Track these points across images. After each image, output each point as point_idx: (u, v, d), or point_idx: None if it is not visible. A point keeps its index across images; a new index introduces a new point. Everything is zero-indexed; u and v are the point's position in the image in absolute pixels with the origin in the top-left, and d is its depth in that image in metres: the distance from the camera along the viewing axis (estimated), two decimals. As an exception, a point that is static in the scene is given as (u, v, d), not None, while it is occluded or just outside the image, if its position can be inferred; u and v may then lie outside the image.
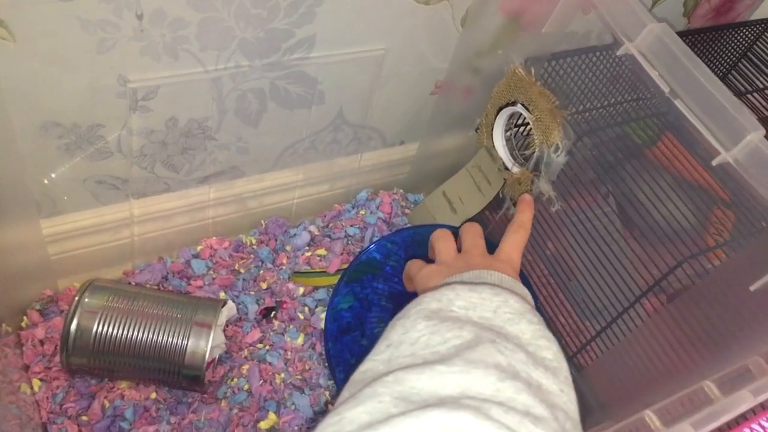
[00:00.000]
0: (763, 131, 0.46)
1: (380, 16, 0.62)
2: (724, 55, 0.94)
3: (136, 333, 0.61)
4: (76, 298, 0.61)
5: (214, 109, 0.63)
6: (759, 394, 0.34)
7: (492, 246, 0.57)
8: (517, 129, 0.72)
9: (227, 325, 0.70)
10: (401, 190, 0.87)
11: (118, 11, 0.50)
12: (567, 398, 0.36)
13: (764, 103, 0.88)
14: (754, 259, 0.49)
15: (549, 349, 0.39)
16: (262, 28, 0.57)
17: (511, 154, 0.72)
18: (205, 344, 0.61)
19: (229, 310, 0.67)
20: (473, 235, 0.56)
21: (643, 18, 0.51)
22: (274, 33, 0.58)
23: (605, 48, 0.62)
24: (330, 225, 0.81)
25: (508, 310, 0.41)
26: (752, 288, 0.47)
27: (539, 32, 0.64)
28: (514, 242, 0.54)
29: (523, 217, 0.57)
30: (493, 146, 0.72)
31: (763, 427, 0.34)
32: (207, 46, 0.56)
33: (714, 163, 0.47)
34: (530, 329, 0.40)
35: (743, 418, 0.34)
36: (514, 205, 0.72)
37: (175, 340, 0.61)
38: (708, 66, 0.93)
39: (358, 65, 0.66)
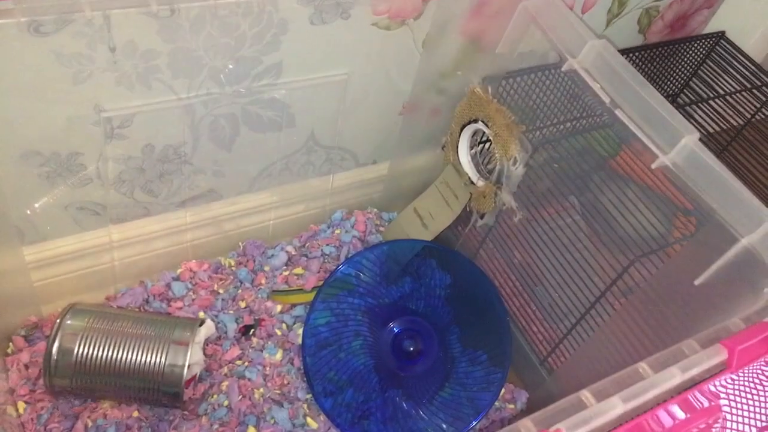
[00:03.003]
0: (697, 135, 0.50)
1: (343, 42, 0.66)
2: (681, 67, 0.99)
3: (116, 353, 0.63)
4: (58, 321, 0.63)
5: (189, 135, 0.66)
6: (687, 371, 0.37)
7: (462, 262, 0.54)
8: (482, 145, 0.76)
9: (207, 344, 0.72)
10: (375, 209, 0.89)
11: (92, 44, 0.53)
12: None
13: (725, 109, 0.92)
14: (697, 256, 0.52)
15: None
16: (230, 57, 0.60)
17: (477, 170, 0.75)
18: (183, 361, 0.63)
19: (208, 328, 0.69)
20: None
21: (584, 35, 0.55)
22: (242, 61, 0.61)
23: (554, 66, 0.65)
24: (306, 245, 0.83)
25: None
26: (696, 282, 0.50)
27: (494, 53, 0.67)
28: None
29: None
30: (459, 162, 0.75)
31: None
32: (178, 75, 0.59)
33: (653, 166, 0.50)
34: None
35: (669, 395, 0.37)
36: (481, 218, 0.75)
37: (153, 358, 0.63)
38: (666, 78, 0.98)
39: (325, 89, 0.70)
